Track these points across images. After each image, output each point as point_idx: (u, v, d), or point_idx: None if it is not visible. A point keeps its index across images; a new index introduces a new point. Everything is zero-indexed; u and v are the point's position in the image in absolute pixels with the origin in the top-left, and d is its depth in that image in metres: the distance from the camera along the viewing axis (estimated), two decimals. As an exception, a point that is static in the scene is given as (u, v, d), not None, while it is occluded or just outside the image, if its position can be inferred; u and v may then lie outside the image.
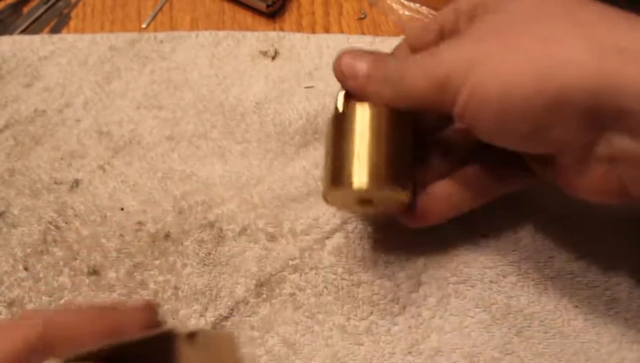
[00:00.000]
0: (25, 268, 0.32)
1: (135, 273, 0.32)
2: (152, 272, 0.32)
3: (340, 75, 0.28)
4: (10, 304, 0.31)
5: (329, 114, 0.36)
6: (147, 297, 0.31)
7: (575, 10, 0.22)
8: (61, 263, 0.32)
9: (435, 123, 0.30)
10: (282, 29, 0.43)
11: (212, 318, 0.30)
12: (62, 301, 0.31)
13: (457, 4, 0.26)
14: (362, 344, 0.30)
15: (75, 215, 0.34)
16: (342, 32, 0.43)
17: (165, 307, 0.31)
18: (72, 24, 0.44)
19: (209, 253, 0.32)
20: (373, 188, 0.26)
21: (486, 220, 0.34)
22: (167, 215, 0.34)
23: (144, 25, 0.44)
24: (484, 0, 0.25)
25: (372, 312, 0.30)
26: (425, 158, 0.29)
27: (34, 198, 0.35)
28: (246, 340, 0.30)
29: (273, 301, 0.31)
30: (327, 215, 0.34)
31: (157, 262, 0.32)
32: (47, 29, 0.44)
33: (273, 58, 0.41)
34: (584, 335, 0.30)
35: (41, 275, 0.32)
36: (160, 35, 0.42)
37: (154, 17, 0.45)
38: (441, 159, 0.29)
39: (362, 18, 0.44)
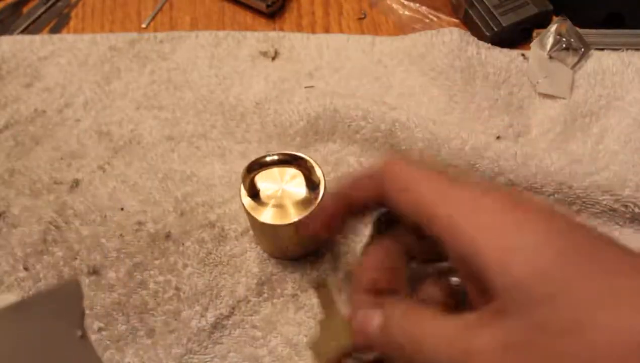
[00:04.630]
0: (25, 268, 0.32)
1: (135, 273, 0.32)
2: (152, 272, 0.32)
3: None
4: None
5: (329, 114, 0.36)
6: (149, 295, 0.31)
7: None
8: (61, 263, 0.32)
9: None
10: (282, 29, 0.43)
11: (213, 318, 0.30)
12: (62, 301, 0.31)
13: None
14: (363, 344, 0.30)
15: (75, 215, 0.34)
16: (342, 32, 0.43)
17: (166, 307, 0.31)
18: (72, 24, 0.44)
19: (210, 253, 0.32)
20: None
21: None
22: (167, 216, 0.34)
23: (144, 25, 0.44)
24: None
25: (373, 312, 0.30)
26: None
27: (34, 199, 0.35)
28: (248, 339, 0.30)
29: (274, 301, 0.31)
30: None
31: (157, 262, 0.32)
32: (47, 29, 0.44)
33: (273, 58, 0.41)
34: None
35: (41, 275, 0.32)
36: (160, 35, 0.42)
37: (154, 17, 0.45)
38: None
39: (362, 18, 0.44)
